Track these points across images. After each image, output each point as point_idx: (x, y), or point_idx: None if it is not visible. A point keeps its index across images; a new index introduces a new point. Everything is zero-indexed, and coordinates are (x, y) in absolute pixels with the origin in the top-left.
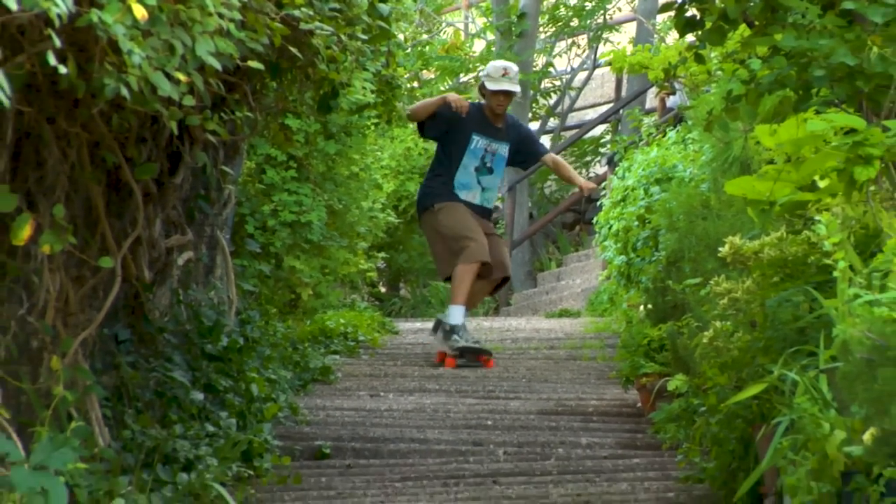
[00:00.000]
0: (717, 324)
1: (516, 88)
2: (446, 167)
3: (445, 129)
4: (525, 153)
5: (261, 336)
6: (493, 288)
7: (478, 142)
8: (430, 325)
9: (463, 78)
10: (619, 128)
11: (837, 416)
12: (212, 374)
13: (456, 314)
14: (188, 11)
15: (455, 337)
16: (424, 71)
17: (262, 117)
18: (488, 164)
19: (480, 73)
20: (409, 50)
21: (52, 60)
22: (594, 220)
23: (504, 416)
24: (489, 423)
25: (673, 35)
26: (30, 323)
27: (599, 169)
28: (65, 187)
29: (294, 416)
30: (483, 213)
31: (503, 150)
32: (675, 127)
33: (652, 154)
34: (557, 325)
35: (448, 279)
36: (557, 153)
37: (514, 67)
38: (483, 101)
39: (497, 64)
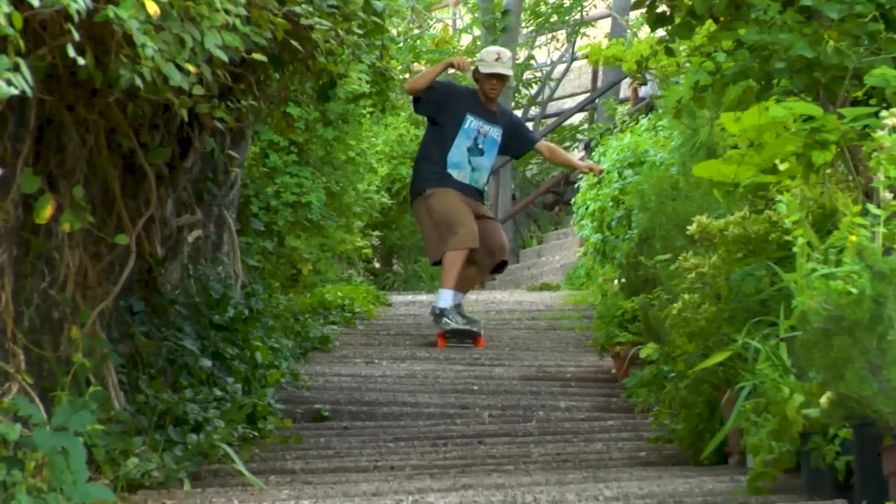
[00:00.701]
0: (686, 296)
1: (509, 72)
2: (439, 146)
3: (440, 106)
4: (518, 140)
5: (264, 308)
6: (492, 270)
7: (471, 122)
8: (420, 297)
9: (451, 70)
10: (596, 116)
11: (796, 381)
12: (219, 343)
13: (445, 297)
14: (197, 7)
15: (445, 320)
16: (415, 63)
17: (266, 106)
18: (480, 146)
19: (475, 59)
20: (401, 44)
21: (72, 53)
22: (572, 201)
23: (489, 382)
24: (475, 388)
25: (645, 30)
26: (51, 295)
27: (577, 154)
28: (83, 170)
29: (295, 381)
30: (474, 193)
31: (495, 132)
32: (646, 115)
33: (625, 140)
34: (538, 298)
35: (437, 263)
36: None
37: (507, 53)
38: (477, 86)
39: (491, 49)
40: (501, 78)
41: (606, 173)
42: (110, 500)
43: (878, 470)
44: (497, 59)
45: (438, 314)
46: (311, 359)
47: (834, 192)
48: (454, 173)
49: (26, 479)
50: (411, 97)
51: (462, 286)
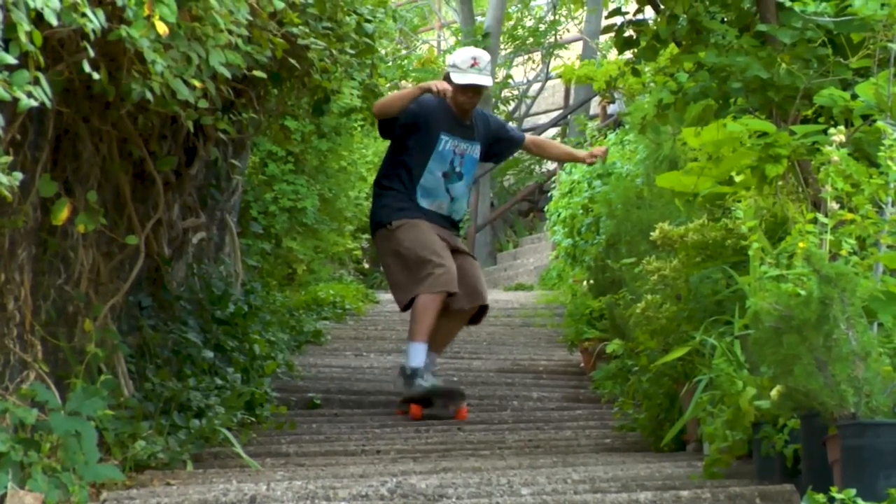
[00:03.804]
0: (649, 297)
1: (487, 81)
2: (406, 173)
3: (411, 126)
4: (503, 144)
5: (262, 304)
6: (471, 319)
7: (446, 143)
8: None
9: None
10: (568, 131)
11: (749, 375)
12: (220, 336)
13: (417, 353)
14: (203, 28)
15: (419, 381)
16: (403, 81)
17: (265, 118)
18: (458, 169)
19: (447, 65)
20: (390, 63)
21: (87, 68)
22: (545, 209)
23: (468, 373)
24: (455, 379)
25: (613, 52)
26: (66, 291)
27: (551, 165)
28: (97, 176)
29: (290, 372)
30: (452, 223)
31: (474, 151)
32: (614, 130)
33: None
34: (514, 297)
35: (408, 308)
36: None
37: (484, 57)
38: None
39: (465, 53)
40: (479, 89)
41: (577, 183)
42: (119, 480)
43: (824, 457)
44: (473, 66)
45: (410, 375)
46: (304, 351)
47: (785, 202)
48: (427, 203)
49: (42, 460)
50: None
51: (437, 342)
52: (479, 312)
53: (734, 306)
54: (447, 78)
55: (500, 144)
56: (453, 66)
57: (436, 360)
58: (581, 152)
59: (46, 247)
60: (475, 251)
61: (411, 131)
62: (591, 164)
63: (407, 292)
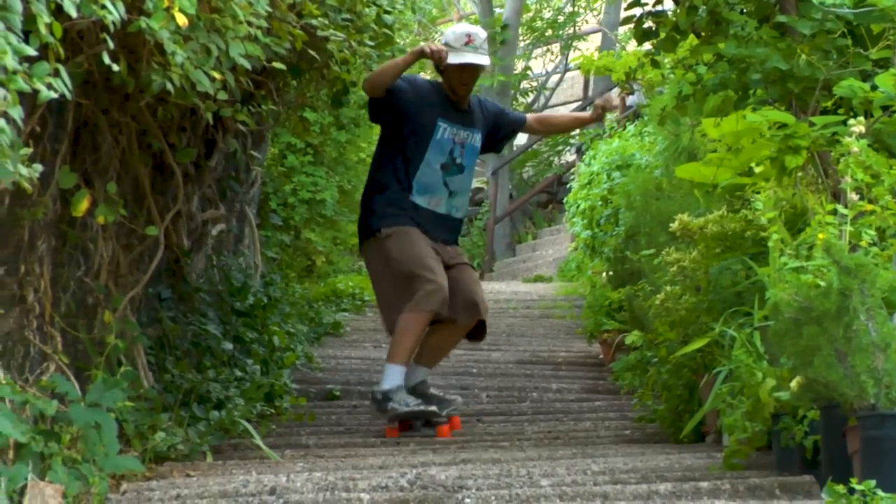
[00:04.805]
0: (668, 288)
1: (485, 61)
2: (401, 165)
3: (404, 110)
4: (505, 128)
5: (282, 296)
6: (469, 334)
7: (445, 130)
8: None
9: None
10: None
11: (768, 366)
12: (240, 328)
13: (391, 376)
14: (222, 20)
15: (391, 405)
16: (421, 73)
17: (284, 110)
18: (458, 161)
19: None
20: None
21: (107, 60)
22: (564, 200)
23: (487, 365)
24: (474, 370)
25: (632, 44)
26: (86, 283)
27: (570, 157)
28: (117, 168)
29: (309, 363)
30: (447, 230)
31: (475, 139)
32: (633, 122)
33: (614, 144)
34: (533, 289)
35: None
36: (532, 145)
37: (480, 33)
38: (441, 80)
39: (458, 29)
40: (475, 69)
41: (596, 175)
42: (139, 471)
43: (843, 449)
44: (468, 44)
45: (381, 399)
46: (323, 343)
47: (805, 193)
48: (423, 201)
49: (62, 451)
50: (368, 101)
51: (428, 355)
52: (479, 329)
53: (754, 297)
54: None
55: (502, 129)
56: (446, 44)
57: (425, 375)
58: (585, 114)
59: (66, 238)
60: (494, 243)
61: (405, 117)
62: (599, 119)
63: (394, 312)
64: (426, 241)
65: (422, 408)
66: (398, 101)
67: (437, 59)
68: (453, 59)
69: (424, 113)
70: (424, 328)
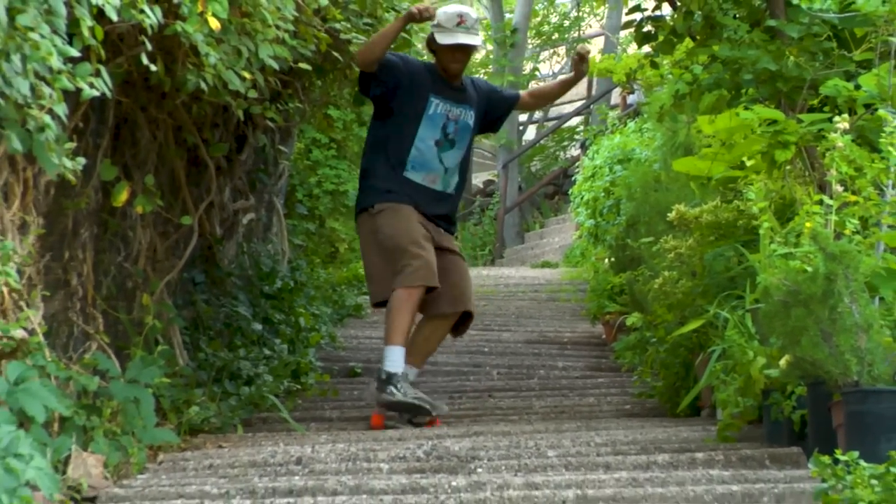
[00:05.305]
0: (666, 273)
1: (476, 41)
2: (394, 144)
3: (395, 85)
4: (498, 106)
5: (307, 280)
6: (455, 326)
7: (437, 105)
8: None
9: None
10: (590, 119)
11: (759, 345)
12: (268, 310)
13: (393, 358)
14: (252, 24)
15: (391, 388)
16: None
17: (310, 108)
18: (451, 136)
19: (431, 24)
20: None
21: (145, 61)
22: (570, 192)
23: (497, 345)
24: (486, 349)
25: (633, 46)
26: (126, 268)
27: (574, 151)
28: (154, 161)
29: (333, 343)
30: (442, 207)
31: (468, 116)
32: (633, 119)
33: (615, 140)
34: (540, 274)
35: (381, 304)
36: (540, 139)
37: (471, 14)
38: (434, 60)
39: (449, 10)
40: (467, 49)
41: (599, 168)
42: (175, 443)
43: (829, 422)
44: (459, 24)
45: (384, 380)
46: (346, 324)
47: (793, 185)
48: (417, 177)
49: (103, 424)
50: (359, 75)
51: (415, 352)
52: (463, 320)
53: (745, 282)
54: (431, 39)
55: (495, 108)
56: (437, 25)
57: (415, 375)
58: (570, 76)
59: (107, 227)
60: (504, 231)
61: (397, 93)
62: (582, 72)
63: (382, 285)
64: (418, 219)
65: (416, 402)
66: (389, 76)
67: (427, 17)
68: (446, 39)
69: (416, 89)
70: (416, 304)
